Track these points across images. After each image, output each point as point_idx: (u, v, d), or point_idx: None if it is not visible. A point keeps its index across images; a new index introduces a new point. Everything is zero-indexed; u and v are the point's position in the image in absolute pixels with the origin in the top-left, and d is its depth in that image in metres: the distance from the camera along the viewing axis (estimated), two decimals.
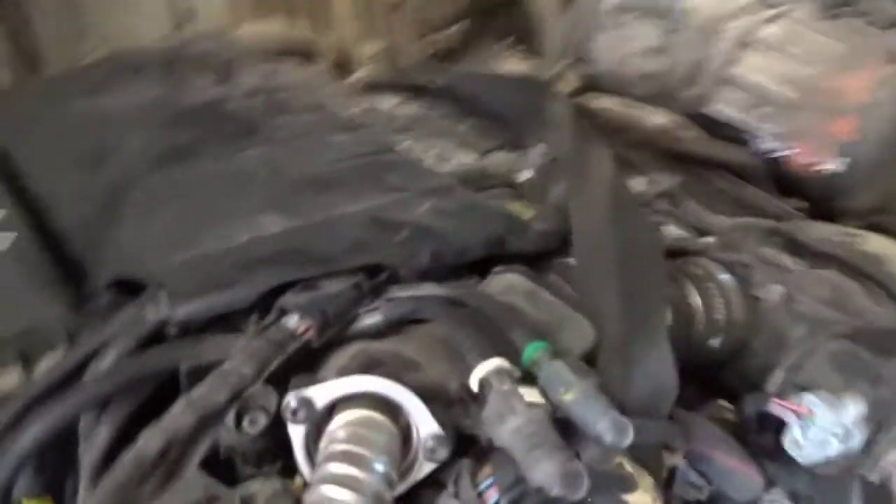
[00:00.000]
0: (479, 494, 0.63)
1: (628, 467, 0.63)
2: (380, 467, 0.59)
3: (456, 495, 0.63)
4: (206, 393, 0.65)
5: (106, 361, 0.70)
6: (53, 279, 0.79)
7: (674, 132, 1.33)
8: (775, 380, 0.81)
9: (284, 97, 1.05)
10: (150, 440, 0.63)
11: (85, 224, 0.84)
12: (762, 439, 0.79)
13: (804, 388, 0.77)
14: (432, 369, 0.70)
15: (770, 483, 0.79)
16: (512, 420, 0.61)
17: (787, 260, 0.94)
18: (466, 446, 0.66)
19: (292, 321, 0.70)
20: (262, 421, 0.64)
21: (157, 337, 0.71)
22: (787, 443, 0.76)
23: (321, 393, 0.63)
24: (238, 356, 0.67)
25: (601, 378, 0.66)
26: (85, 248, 0.82)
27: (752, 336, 0.86)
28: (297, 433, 0.63)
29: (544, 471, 0.58)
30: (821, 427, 0.75)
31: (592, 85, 1.47)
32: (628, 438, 0.61)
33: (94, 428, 0.68)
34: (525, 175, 1.08)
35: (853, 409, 0.76)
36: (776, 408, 0.76)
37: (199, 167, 0.88)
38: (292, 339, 0.69)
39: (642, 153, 1.18)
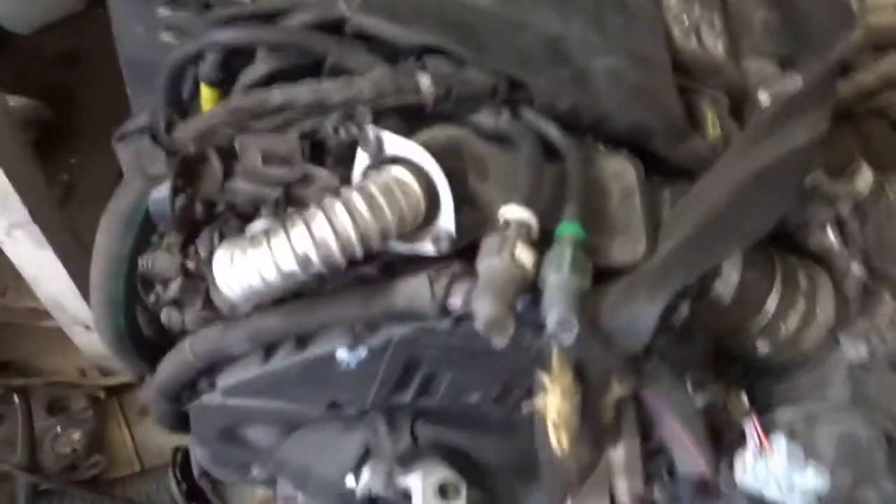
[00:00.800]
0: (447, 292, 0.74)
1: (555, 360, 0.70)
2: (382, 222, 0.71)
3: (430, 282, 0.74)
4: (328, 88, 0.78)
5: (293, 19, 0.85)
6: None
7: None
8: (782, 413, 0.80)
9: None
10: (274, 94, 0.79)
11: None
12: None
13: (793, 435, 0.76)
14: (494, 186, 0.78)
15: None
16: (492, 259, 0.69)
17: None
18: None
19: (424, 80, 0.79)
20: (350, 133, 0.77)
21: (335, 26, 0.84)
22: (737, 459, 0.77)
23: (393, 143, 0.74)
24: (368, 77, 0.79)
25: (598, 291, 0.71)
26: None
27: (801, 366, 0.82)
28: (360, 158, 0.76)
29: (481, 306, 0.67)
30: (769, 469, 0.75)
31: None
32: (567, 339, 0.67)
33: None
34: (761, 97, 1.01)
35: (810, 480, 0.74)
36: (750, 425, 0.77)
37: None
38: (413, 92, 0.78)
39: None
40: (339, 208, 0.70)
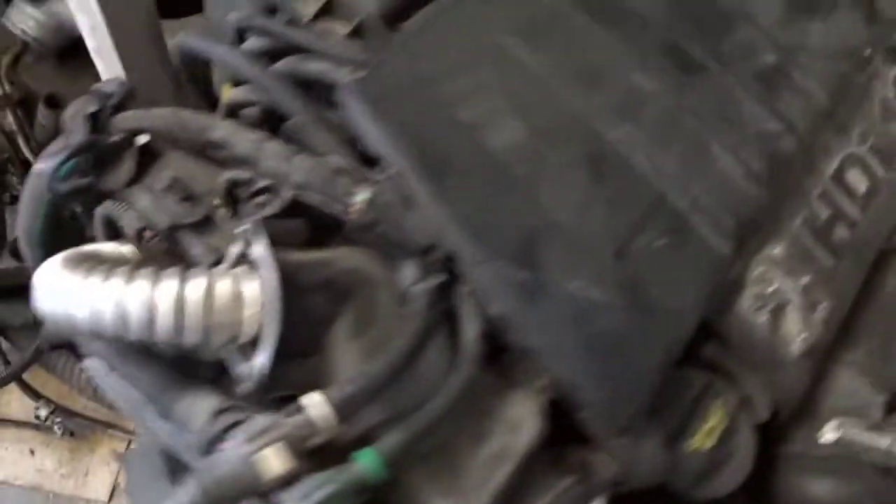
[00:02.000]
0: (220, 435, 0.61)
1: None
2: (221, 322, 0.59)
3: (213, 414, 0.61)
4: (267, 151, 0.68)
5: (301, 64, 0.75)
6: None
7: None
8: None
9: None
10: (219, 128, 0.70)
11: None
12: None
13: None
14: (362, 346, 0.63)
15: None
16: (234, 445, 0.55)
17: None
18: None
19: (359, 197, 0.65)
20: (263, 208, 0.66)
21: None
22: None
23: (262, 253, 0.62)
24: (307, 162, 0.67)
25: None
26: None
27: None
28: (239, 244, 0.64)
29: (183, 494, 0.54)
30: None
31: None
32: None
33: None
34: (827, 432, 0.74)
35: None
36: None
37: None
38: (338, 203, 0.65)
39: None
40: (197, 287, 0.59)
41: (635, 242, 0.67)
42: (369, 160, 0.69)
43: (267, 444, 0.54)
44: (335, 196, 0.65)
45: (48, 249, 0.83)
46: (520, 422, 0.62)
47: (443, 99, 0.69)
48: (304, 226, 0.66)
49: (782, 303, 0.73)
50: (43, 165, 0.72)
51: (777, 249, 0.75)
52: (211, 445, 0.61)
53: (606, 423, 0.62)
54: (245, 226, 0.62)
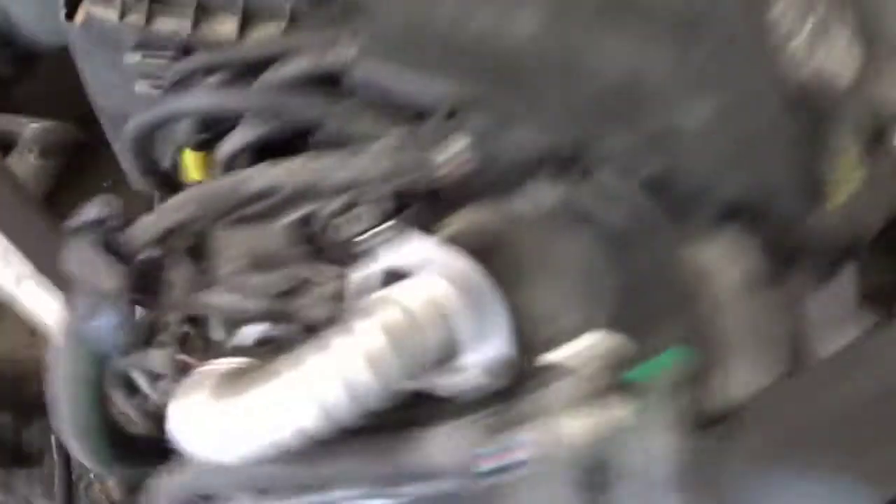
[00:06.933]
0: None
1: None
2: (424, 354, 0.52)
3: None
4: (322, 168, 0.59)
5: (286, 70, 0.65)
6: None
7: None
8: None
9: None
10: (258, 176, 0.60)
11: None
12: None
13: None
14: (546, 293, 0.57)
15: None
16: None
17: None
18: None
19: (455, 146, 0.58)
20: (356, 229, 0.58)
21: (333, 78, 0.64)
22: None
23: (422, 245, 0.54)
24: (369, 155, 0.59)
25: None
26: None
27: None
28: (381, 262, 0.56)
29: None
30: None
31: None
32: None
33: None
34: None
35: None
36: None
37: None
38: (429, 167, 0.58)
39: None
40: (377, 336, 0.50)
41: (692, 53, 0.64)
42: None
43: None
44: (420, 166, 0.58)
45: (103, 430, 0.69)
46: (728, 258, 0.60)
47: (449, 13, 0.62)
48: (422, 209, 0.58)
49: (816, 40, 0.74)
50: (77, 330, 0.60)
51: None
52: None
53: (800, 205, 0.61)
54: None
